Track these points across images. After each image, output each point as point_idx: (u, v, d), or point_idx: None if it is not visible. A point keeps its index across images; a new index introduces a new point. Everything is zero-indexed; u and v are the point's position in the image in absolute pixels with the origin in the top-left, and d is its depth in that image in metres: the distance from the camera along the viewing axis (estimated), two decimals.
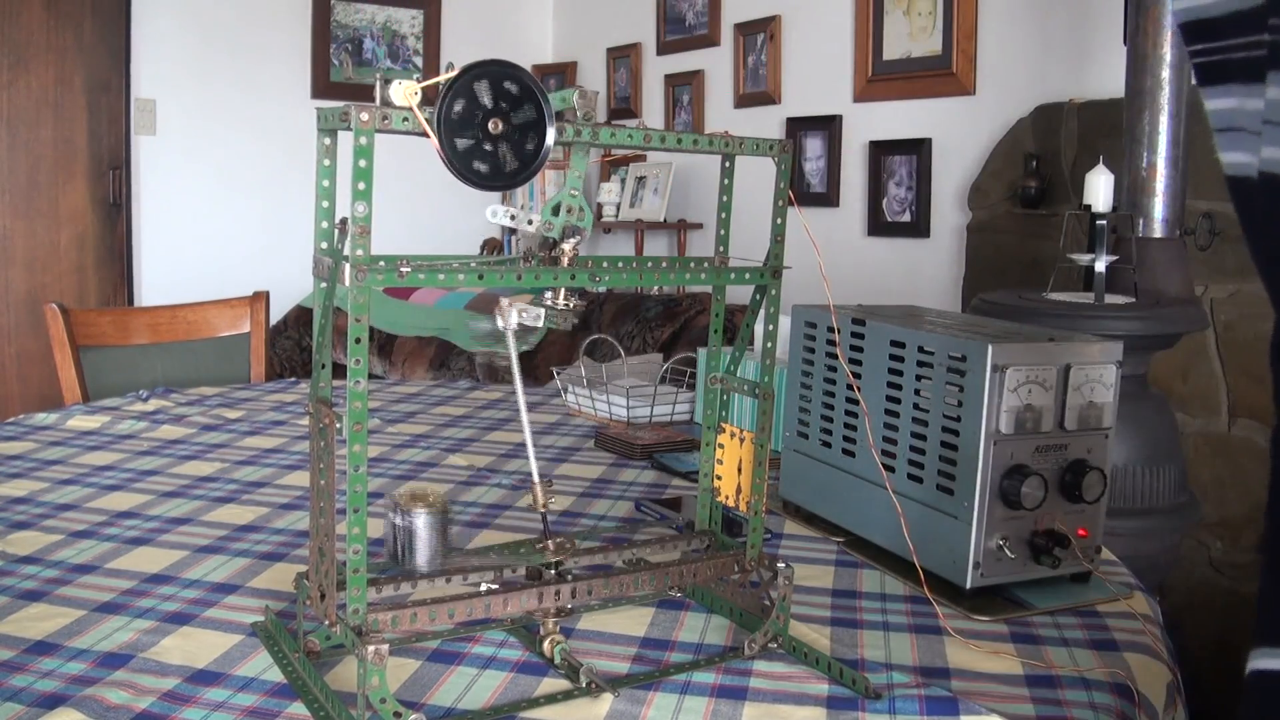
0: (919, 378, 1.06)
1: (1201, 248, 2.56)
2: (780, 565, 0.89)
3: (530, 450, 0.86)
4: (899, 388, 1.09)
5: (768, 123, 4.10)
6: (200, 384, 2.12)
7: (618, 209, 4.57)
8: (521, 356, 3.76)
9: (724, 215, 0.93)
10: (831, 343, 1.18)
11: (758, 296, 0.91)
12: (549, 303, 0.81)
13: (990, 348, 0.97)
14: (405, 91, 0.68)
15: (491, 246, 4.93)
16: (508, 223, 0.77)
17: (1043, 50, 3.21)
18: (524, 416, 0.85)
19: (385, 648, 0.71)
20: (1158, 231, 2.31)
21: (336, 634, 0.78)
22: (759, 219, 1.02)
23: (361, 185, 0.68)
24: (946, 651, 0.90)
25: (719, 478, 0.96)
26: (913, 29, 3.54)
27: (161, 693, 0.78)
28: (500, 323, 0.82)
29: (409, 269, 0.71)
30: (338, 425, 0.73)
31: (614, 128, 0.78)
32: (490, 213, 0.78)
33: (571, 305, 0.81)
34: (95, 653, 0.84)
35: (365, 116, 0.68)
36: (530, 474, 0.86)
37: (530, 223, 0.79)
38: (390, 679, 0.76)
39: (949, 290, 3.46)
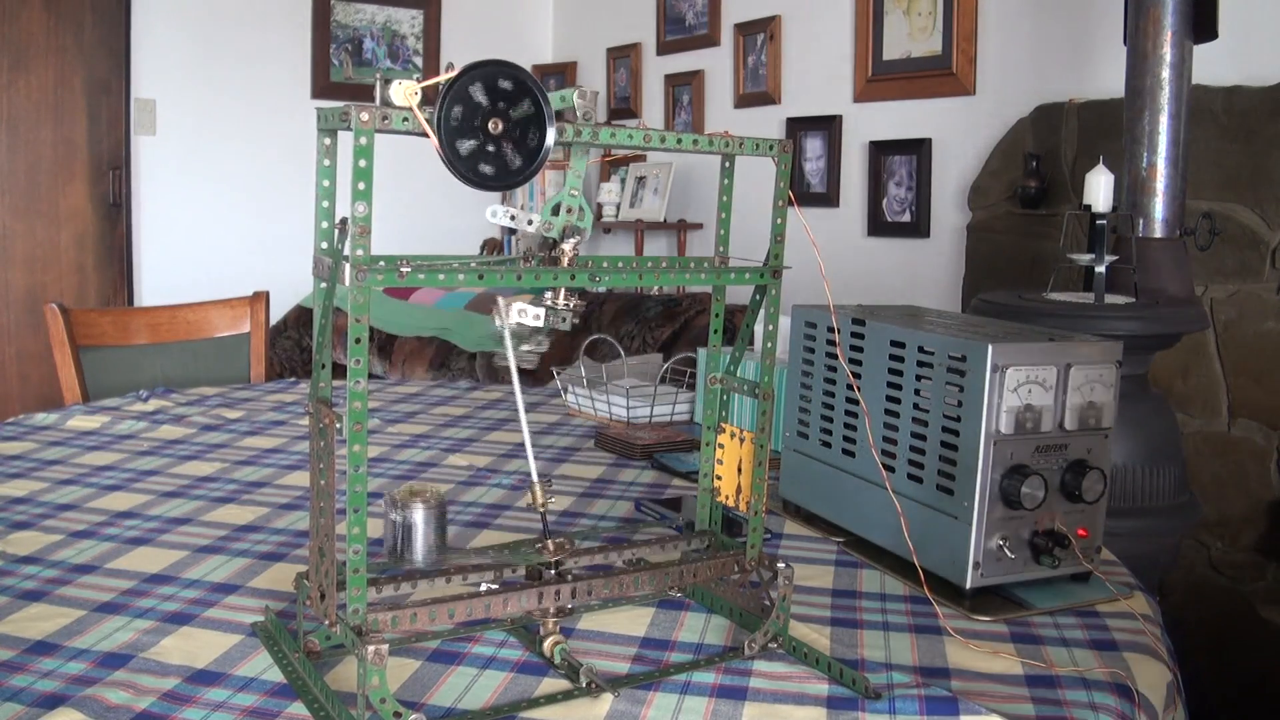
0: (919, 378, 1.06)
1: (1201, 248, 2.56)
2: (780, 565, 0.89)
3: (529, 449, 0.86)
4: (899, 388, 1.09)
5: (768, 123, 4.10)
6: (200, 384, 2.12)
7: (618, 209, 4.57)
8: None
9: (724, 215, 0.93)
10: (831, 343, 1.18)
11: (758, 296, 0.91)
12: (549, 302, 0.81)
13: (990, 348, 0.97)
14: (405, 91, 0.68)
15: (491, 247, 4.93)
16: (508, 223, 0.77)
17: (1043, 50, 3.21)
18: (522, 416, 0.85)
19: (385, 648, 0.71)
20: (1158, 231, 2.31)
21: (336, 634, 0.78)
22: (759, 219, 1.02)
23: (361, 185, 0.68)
24: (946, 651, 0.90)
25: (719, 478, 0.96)
26: (913, 29, 3.54)
27: (161, 693, 0.78)
28: (498, 322, 0.82)
29: (409, 269, 0.71)
30: (338, 425, 0.73)
31: (614, 128, 0.78)
32: (490, 213, 0.78)
33: (572, 305, 0.81)
34: (95, 653, 0.84)
35: (365, 117, 0.67)
36: (530, 473, 0.86)
37: (530, 223, 0.78)
38: (390, 679, 0.76)
39: (949, 290, 3.46)
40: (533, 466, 0.86)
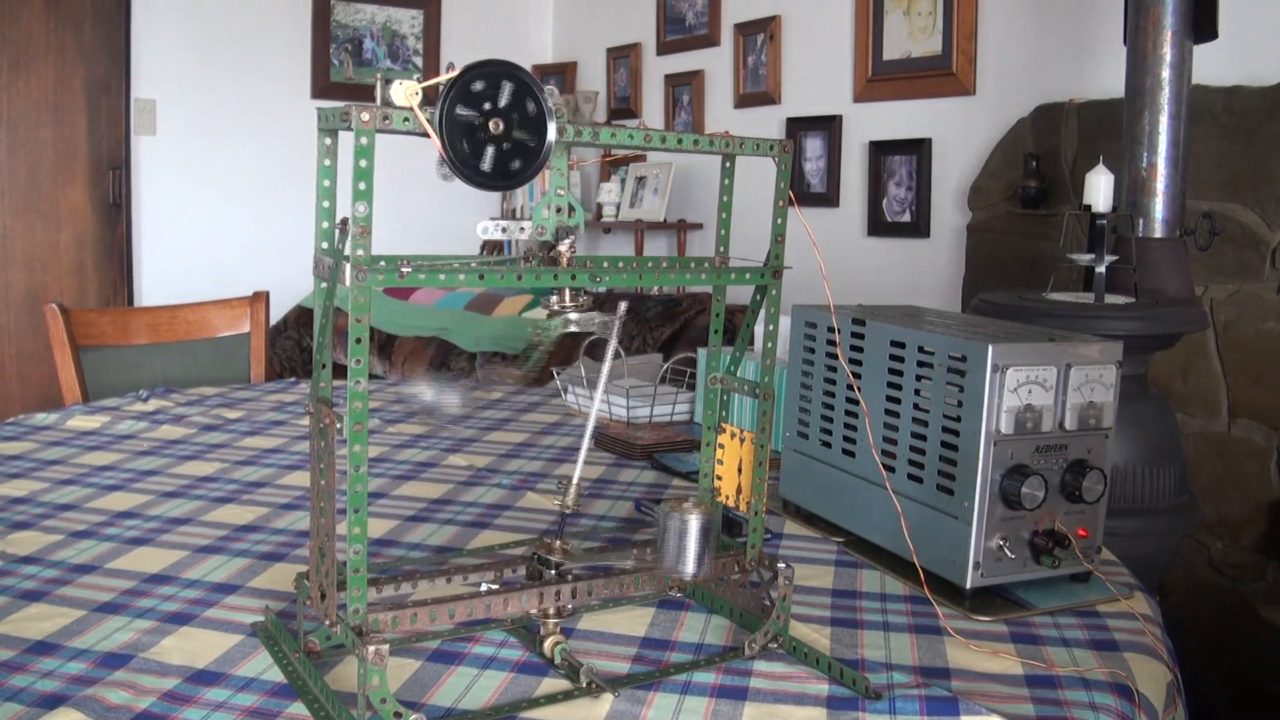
0: (919, 378, 1.06)
1: (1201, 248, 2.56)
2: (780, 565, 0.89)
3: (583, 452, 0.88)
4: (899, 388, 1.09)
5: (768, 123, 4.09)
6: (200, 384, 2.12)
7: (618, 209, 4.57)
8: (520, 356, 3.76)
9: (724, 215, 0.93)
10: (831, 343, 1.18)
11: (758, 296, 0.91)
12: (555, 305, 0.81)
13: (990, 348, 0.97)
14: (406, 92, 0.68)
15: (491, 247, 4.92)
16: (499, 236, 0.77)
17: (1043, 50, 3.21)
18: (591, 417, 0.85)
19: (385, 648, 0.71)
20: (1158, 231, 2.31)
21: (337, 634, 0.78)
22: (759, 219, 1.02)
23: (362, 185, 0.68)
24: (946, 651, 0.90)
25: (719, 478, 0.96)
26: (913, 29, 3.54)
27: (161, 693, 0.78)
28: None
29: (409, 269, 0.71)
30: (338, 425, 0.73)
31: (614, 128, 0.78)
32: (481, 229, 0.78)
33: (580, 302, 0.81)
34: (95, 653, 0.84)
35: (366, 117, 0.68)
36: (572, 476, 0.87)
37: (523, 231, 0.79)
38: (390, 679, 0.76)
39: (949, 290, 3.46)
40: (578, 470, 0.87)
